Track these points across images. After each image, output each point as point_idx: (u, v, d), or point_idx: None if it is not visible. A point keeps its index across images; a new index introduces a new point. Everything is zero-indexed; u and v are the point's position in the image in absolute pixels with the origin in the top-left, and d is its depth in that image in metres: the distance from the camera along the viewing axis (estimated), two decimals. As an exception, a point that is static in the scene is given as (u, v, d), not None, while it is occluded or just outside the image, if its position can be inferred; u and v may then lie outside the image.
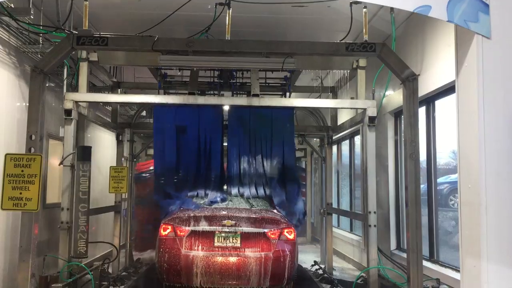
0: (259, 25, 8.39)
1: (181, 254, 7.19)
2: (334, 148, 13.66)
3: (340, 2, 6.93)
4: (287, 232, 7.49)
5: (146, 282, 9.03)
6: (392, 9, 6.93)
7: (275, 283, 7.24)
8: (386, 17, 7.41)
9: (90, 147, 7.58)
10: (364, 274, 7.82)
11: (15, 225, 6.92)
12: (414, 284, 5.41)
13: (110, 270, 9.09)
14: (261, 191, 8.95)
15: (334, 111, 10.74)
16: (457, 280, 5.57)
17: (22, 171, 5.65)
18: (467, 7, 4.44)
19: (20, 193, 5.64)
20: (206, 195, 8.74)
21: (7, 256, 7.25)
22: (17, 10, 6.69)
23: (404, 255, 7.54)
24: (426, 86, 7.39)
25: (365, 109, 7.79)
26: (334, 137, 11.03)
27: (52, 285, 6.86)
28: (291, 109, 9.21)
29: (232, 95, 9.88)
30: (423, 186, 8.02)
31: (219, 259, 7.15)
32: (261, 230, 7.38)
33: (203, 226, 7.38)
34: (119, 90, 9.96)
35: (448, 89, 6.84)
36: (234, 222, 7.38)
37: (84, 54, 7.92)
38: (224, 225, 7.35)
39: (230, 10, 5.90)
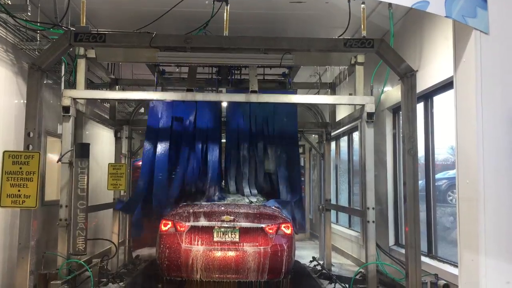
0: (257, 21, 8.38)
1: (181, 249, 7.40)
2: (333, 144, 13.69)
3: (338, -2, 6.94)
4: (284, 227, 7.67)
5: (145, 278, 9.04)
6: (390, 4, 6.92)
7: (272, 277, 7.45)
8: (385, 13, 7.40)
9: (88, 144, 7.57)
10: (362, 270, 7.83)
11: (14, 222, 6.92)
12: (412, 280, 5.42)
13: (109, 267, 9.08)
14: (259, 188, 8.98)
15: (333, 107, 10.74)
16: (455, 275, 5.58)
17: (21, 168, 5.65)
18: (465, 3, 4.44)
19: (19, 191, 5.64)
20: (204, 192, 8.76)
21: (6, 254, 7.25)
22: (14, 6, 6.67)
23: (403, 250, 7.56)
24: (424, 82, 7.39)
25: (363, 105, 7.79)
26: (332, 134, 11.03)
27: (51, 282, 6.85)
28: (293, 104, 9.21)
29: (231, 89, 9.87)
30: (421, 182, 8.04)
31: (218, 253, 7.37)
32: (259, 225, 7.57)
33: (203, 222, 7.57)
34: (117, 87, 9.93)
35: (446, 85, 6.85)
36: (232, 217, 7.56)
37: (81, 51, 7.87)
38: (223, 221, 7.54)
39: (228, 6, 5.89)
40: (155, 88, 9.59)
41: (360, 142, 8.40)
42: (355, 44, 5.80)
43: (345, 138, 12.89)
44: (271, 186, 9.01)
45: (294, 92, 10.23)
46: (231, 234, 7.51)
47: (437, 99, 7.69)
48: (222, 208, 7.94)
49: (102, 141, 11.50)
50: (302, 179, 16.21)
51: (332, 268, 10.03)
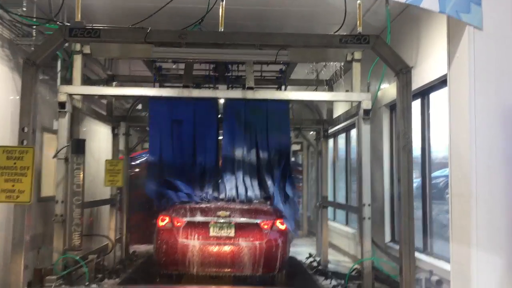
0: (253, 17, 8.35)
1: (178, 244, 7.56)
2: (331, 142, 13.69)
3: (335, -6, 6.91)
4: (279, 222, 7.83)
5: (141, 274, 9.05)
6: (387, 1, 6.93)
7: (267, 271, 7.63)
8: (382, 10, 7.39)
9: (84, 140, 7.58)
10: (358, 266, 7.85)
11: (11, 217, 6.91)
12: (406, 276, 5.43)
13: (105, 263, 9.08)
14: (255, 188, 8.98)
15: (330, 105, 10.73)
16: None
17: (15, 163, 5.64)
18: (459, -2, 4.42)
19: (13, 186, 5.63)
20: (200, 190, 8.78)
21: (2, 249, 7.25)
22: (10, 1, 6.66)
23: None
24: (421, 78, 7.38)
25: (360, 102, 7.79)
26: (330, 131, 11.03)
27: (46, 278, 6.86)
28: (287, 102, 9.19)
29: (228, 89, 9.84)
30: (418, 180, 8.04)
31: (214, 248, 7.53)
32: (254, 220, 7.76)
33: (199, 217, 7.73)
34: (114, 83, 9.92)
35: (443, 82, 6.82)
36: (228, 213, 7.74)
37: (78, 46, 7.88)
38: (219, 216, 7.71)
39: (224, 2, 5.87)
40: (153, 85, 9.58)
41: (357, 139, 8.40)
42: (350, 41, 5.79)
43: (343, 135, 12.89)
44: (264, 190, 9.01)
45: None
46: (227, 230, 7.65)
47: (433, 96, 7.67)
48: (218, 204, 8.11)
49: (100, 138, 11.49)
50: (300, 177, 16.25)
51: (329, 265, 10.03)
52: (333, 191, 13.69)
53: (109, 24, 7.46)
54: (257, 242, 7.57)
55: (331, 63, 9.50)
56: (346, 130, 12.24)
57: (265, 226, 7.71)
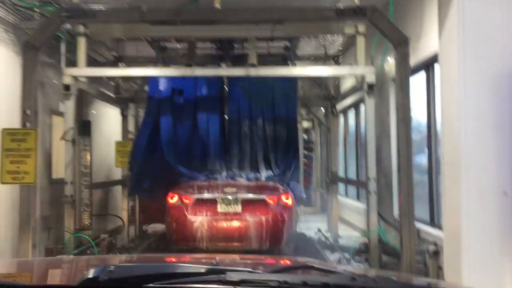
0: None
1: (187, 220, 7.83)
2: (341, 118, 13.60)
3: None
4: (284, 197, 8.00)
5: (152, 252, 9.24)
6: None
7: (274, 245, 7.84)
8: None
9: (89, 122, 7.70)
10: (364, 239, 7.92)
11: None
12: (406, 247, 5.45)
13: (117, 242, 9.28)
14: (263, 165, 9.04)
15: (337, 80, 10.63)
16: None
17: (19, 145, 5.78)
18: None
19: (18, 167, 5.77)
20: (205, 167, 8.87)
21: (15, 230, 7.46)
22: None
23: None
24: (426, 49, 7.24)
25: (363, 76, 7.72)
26: (338, 107, 10.95)
27: (57, 256, 7.05)
28: (293, 77, 9.16)
29: (232, 66, 9.81)
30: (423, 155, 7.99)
31: (222, 223, 7.82)
32: (260, 196, 7.97)
33: (207, 194, 8.01)
34: (120, 64, 9.99)
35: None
36: (235, 189, 7.97)
37: (81, 28, 7.93)
38: (226, 193, 7.95)
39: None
40: (154, 64, 9.61)
41: (364, 114, 8.35)
42: (347, 13, 5.73)
43: (353, 111, 12.79)
44: (269, 164, 9.05)
45: None
46: (234, 206, 7.86)
47: (439, 68, 7.53)
48: (225, 181, 8.35)
49: (110, 120, 11.63)
50: (311, 154, 16.25)
51: (340, 240, 10.08)
52: (344, 167, 13.66)
53: (109, 4, 7.47)
54: (263, 217, 7.77)
55: (339, 37, 9.37)
56: (356, 105, 12.14)
57: (271, 201, 7.90)
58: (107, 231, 9.20)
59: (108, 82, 11.25)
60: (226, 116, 9.28)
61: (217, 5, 5.84)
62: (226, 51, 9.65)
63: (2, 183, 5.90)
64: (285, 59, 10.42)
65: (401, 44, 5.59)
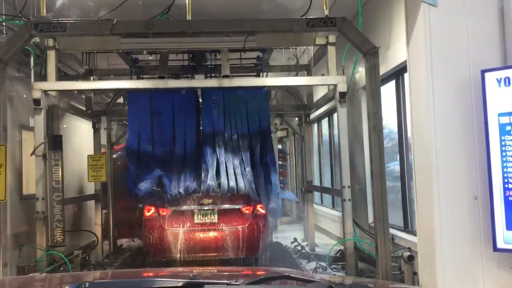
0: (226, 4, 8.28)
1: (164, 232, 7.92)
2: (315, 127, 13.72)
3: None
4: (259, 207, 8.16)
5: (127, 267, 9.10)
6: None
7: (250, 253, 7.98)
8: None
9: (60, 136, 7.57)
10: (340, 247, 7.99)
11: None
12: (381, 252, 5.51)
13: (92, 258, 9.11)
14: (239, 178, 9.02)
15: (310, 89, 10.74)
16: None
17: (-13, 161, 5.63)
18: (415, -24, 4.44)
19: (-13, 184, 5.63)
20: (181, 180, 8.82)
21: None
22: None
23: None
24: (396, 59, 7.40)
25: (335, 85, 7.83)
26: (312, 116, 11.04)
27: (30, 275, 6.88)
28: (265, 88, 9.20)
29: (205, 78, 9.82)
30: (395, 162, 8.12)
31: (199, 234, 7.93)
32: (236, 206, 8.12)
33: (183, 206, 8.11)
34: (92, 77, 9.88)
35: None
36: (211, 200, 8.10)
37: (50, 42, 7.83)
38: (202, 204, 8.09)
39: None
40: (130, 77, 9.55)
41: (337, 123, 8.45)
42: (317, 24, 5.80)
43: (326, 120, 12.91)
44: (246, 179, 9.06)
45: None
46: (210, 216, 8.00)
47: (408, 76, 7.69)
48: (201, 192, 8.35)
49: (81, 134, 11.46)
50: (284, 163, 16.31)
51: (316, 249, 10.11)
52: (319, 175, 13.75)
53: (80, 17, 7.39)
54: (239, 227, 7.92)
55: (311, 47, 9.49)
56: (329, 114, 12.27)
57: (247, 211, 8.06)
58: (81, 247, 9.03)
59: (80, 95, 11.12)
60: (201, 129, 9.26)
61: (189, 17, 5.84)
62: (199, 62, 9.65)
63: (-29, 200, 5.75)
64: (257, 70, 10.49)
65: (370, 54, 5.69)
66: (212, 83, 7.86)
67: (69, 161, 9.60)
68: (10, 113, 7.54)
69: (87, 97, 10.06)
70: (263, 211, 8.15)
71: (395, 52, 7.41)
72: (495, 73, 4.21)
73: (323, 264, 8.01)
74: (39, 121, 7.46)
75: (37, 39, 7.42)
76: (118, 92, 10.19)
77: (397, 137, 7.98)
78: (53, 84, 7.71)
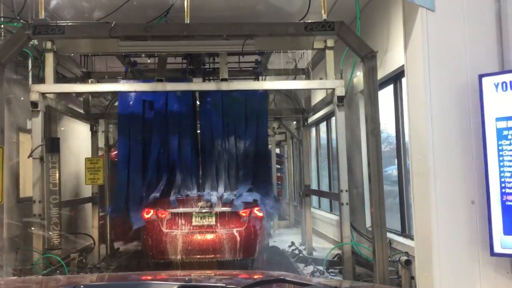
0: (224, 9, 8.31)
1: (163, 234, 8.04)
2: (313, 131, 13.73)
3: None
4: (256, 210, 8.25)
5: (124, 270, 9.07)
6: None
7: (247, 255, 8.10)
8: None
9: (58, 139, 7.55)
10: (335, 251, 8.00)
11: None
12: (379, 257, 5.50)
13: (88, 261, 9.08)
14: (234, 182, 9.08)
15: (308, 93, 10.75)
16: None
17: (-16, 164, 5.61)
18: (413, -20, 4.45)
19: (-16, 186, 5.60)
20: (179, 184, 8.85)
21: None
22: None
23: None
24: (393, 63, 7.42)
25: (333, 89, 7.83)
26: (310, 120, 11.05)
27: (26, 277, 6.85)
28: (263, 92, 9.22)
29: (204, 81, 9.82)
30: (393, 167, 8.12)
31: (197, 236, 8.04)
32: (233, 209, 8.15)
33: (182, 208, 8.22)
34: (90, 80, 9.87)
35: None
36: (209, 203, 8.18)
37: (49, 44, 7.82)
38: (200, 207, 8.18)
39: (189, -6, 5.84)
40: (123, 79, 9.54)
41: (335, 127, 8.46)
42: (316, 28, 5.80)
43: (324, 123, 12.92)
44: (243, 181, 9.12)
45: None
46: (208, 219, 8.12)
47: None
48: (199, 195, 8.54)
49: (79, 137, 11.45)
50: (282, 167, 16.30)
51: (314, 253, 10.10)
52: (318, 179, 13.75)
53: (78, 20, 7.39)
54: (236, 229, 8.03)
55: (309, 51, 9.50)
56: (327, 118, 12.28)
57: (244, 214, 8.15)
58: (78, 250, 9.00)
59: (78, 98, 11.11)
60: (198, 132, 9.27)
61: (187, 20, 5.84)
62: (197, 66, 9.65)
63: (-33, 203, 5.72)
64: (256, 74, 10.50)
65: (368, 58, 5.69)
66: (210, 86, 7.88)
67: (66, 163, 9.58)
68: (8, 115, 7.54)
69: (85, 99, 10.05)
70: (260, 214, 8.22)
71: (393, 57, 7.44)
72: (493, 77, 4.21)
73: (321, 268, 8.00)
74: (36, 123, 7.45)
75: (35, 42, 7.43)
76: (116, 94, 10.17)
77: (395, 142, 8.00)
78: (51, 87, 7.70)
